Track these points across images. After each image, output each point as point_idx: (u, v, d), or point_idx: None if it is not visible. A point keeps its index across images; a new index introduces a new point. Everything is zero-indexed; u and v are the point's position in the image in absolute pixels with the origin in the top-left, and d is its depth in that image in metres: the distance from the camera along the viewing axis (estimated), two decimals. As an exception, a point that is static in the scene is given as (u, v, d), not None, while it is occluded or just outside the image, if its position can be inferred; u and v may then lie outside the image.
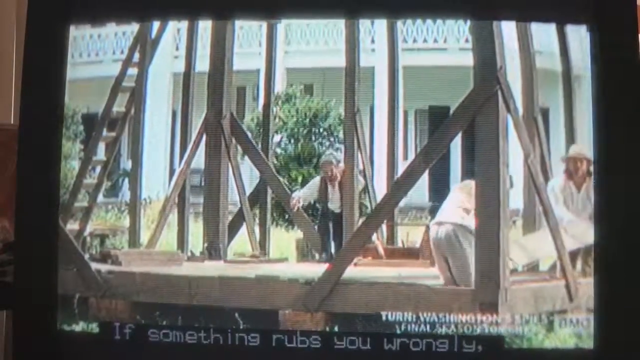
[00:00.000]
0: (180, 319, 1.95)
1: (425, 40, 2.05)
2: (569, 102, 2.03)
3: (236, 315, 1.94)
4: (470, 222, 1.96)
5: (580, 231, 1.95)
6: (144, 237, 2.08)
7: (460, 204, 1.97)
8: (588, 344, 1.88)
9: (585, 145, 1.94)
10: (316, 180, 2.08)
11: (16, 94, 2.12)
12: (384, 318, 1.92)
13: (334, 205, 2.07)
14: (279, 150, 2.11)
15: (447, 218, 1.98)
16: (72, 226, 2.04)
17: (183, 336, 1.94)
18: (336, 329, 1.93)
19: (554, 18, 1.93)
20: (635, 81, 1.89)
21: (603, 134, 1.88)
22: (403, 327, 1.91)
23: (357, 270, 2.00)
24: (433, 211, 2.00)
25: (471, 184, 1.96)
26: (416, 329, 1.90)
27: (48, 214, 1.96)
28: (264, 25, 2.10)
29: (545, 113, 2.02)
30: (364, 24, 2.03)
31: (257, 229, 2.11)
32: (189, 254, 2.09)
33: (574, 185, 1.99)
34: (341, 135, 2.07)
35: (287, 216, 2.10)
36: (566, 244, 1.95)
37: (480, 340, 1.90)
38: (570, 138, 2.01)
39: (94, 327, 1.98)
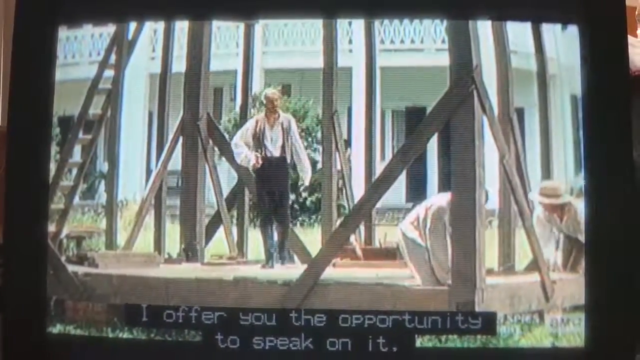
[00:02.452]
0: (159, 320, 1.95)
1: (402, 41, 2.06)
2: (544, 101, 2.04)
3: (214, 316, 1.94)
4: (416, 235, 1.99)
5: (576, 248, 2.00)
6: (121, 239, 2.08)
7: (415, 217, 2.00)
8: (578, 342, 1.89)
9: (554, 183, 1.97)
10: (252, 120, 2.06)
11: (4, 95, 2.12)
12: (362, 318, 1.92)
13: (272, 145, 2.05)
14: (256, 152, 2.12)
15: (402, 227, 2.01)
16: (48, 228, 2.02)
17: (162, 337, 1.95)
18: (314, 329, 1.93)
19: (541, 18, 1.94)
20: (623, 80, 1.90)
21: (591, 132, 1.88)
22: (381, 327, 1.91)
23: (336, 271, 2.00)
24: (409, 212, 2.02)
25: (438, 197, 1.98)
26: (394, 329, 1.90)
27: (37, 216, 1.96)
28: (242, 25, 2.09)
29: (520, 113, 2.03)
30: (341, 24, 2.03)
31: (234, 231, 2.11)
32: (166, 255, 2.09)
33: (557, 216, 2.01)
34: (319, 135, 2.07)
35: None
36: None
37: (457, 339, 1.91)
38: (545, 138, 2.02)
39: (71, 329, 1.98)
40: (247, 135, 2.04)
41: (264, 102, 2.04)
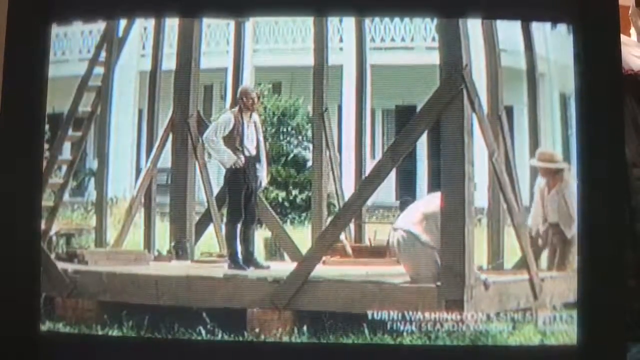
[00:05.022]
0: (147, 319, 1.96)
1: (392, 39, 2.06)
2: (534, 99, 2.05)
3: (204, 314, 1.94)
4: (420, 230, 1.99)
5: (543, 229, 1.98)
6: (111, 236, 2.08)
7: (416, 213, 1.99)
8: (569, 340, 1.89)
9: (550, 150, 1.97)
10: (227, 116, 2.06)
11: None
12: (352, 315, 1.92)
13: (249, 141, 2.05)
14: (246, 150, 2.12)
15: (401, 225, 2.00)
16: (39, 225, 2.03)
17: (152, 334, 1.95)
18: (304, 327, 1.94)
19: (533, 17, 1.94)
20: (617, 79, 1.90)
21: (584, 131, 1.89)
22: (370, 325, 1.92)
23: (326, 268, 2.00)
24: (400, 210, 2.02)
25: (436, 196, 1.98)
26: (383, 327, 1.91)
27: (29, 214, 1.95)
28: (232, 23, 2.09)
29: (509, 111, 2.04)
30: (332, 22, 2.03)
31: (224, 228, 2.10)
32: (156, 253, 2.09)
33: (547, 186, 2.01)
34: (309, 133, 2.08)
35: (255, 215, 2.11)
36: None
37: (446, 337, 1.91)
38: (534, 136, 2.03)
39: (61, 327, 1.98)
40: (225, 131, 2.04)
41: (243, 98, 2.04)
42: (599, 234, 1.88)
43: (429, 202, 1.97)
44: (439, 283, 1.93)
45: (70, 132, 2.08)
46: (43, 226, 2.02)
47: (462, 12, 1.94)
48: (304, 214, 2.06)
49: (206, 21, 2.06)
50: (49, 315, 1.97)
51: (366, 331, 1.92)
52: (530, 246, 1.98)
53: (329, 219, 2.04)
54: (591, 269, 1.87)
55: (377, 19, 2.05)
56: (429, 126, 1.96)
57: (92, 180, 2.10)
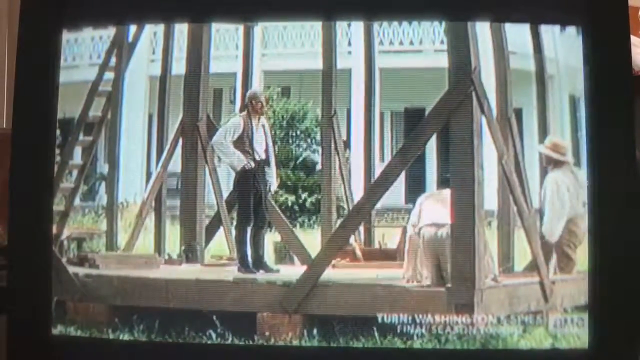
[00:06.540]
0: (158, 323, 1.97)
1: (401, 43, 2.07)
2: (543, 102, 2.05)
3: (214, 318, 1.95)
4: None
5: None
6: (121, 240, 2.09)
7: (446, 206, 1.98)
8: (580, 343, 1.89)
9: (557, 142, 1.97)
10: (236, 120, 2.07)
11: (9, 97, 2.14)
12: (362, 318, 1.92)
13: (258, 145, 2.06)
14: (255, 153, 2.13)
15: (436, 219, 1.98)
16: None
17: (162, 338, 1.96)
18: (314, 330, 1.94)
19: (542, 19, 1.94)
20: (627, 81, 1.90)
21: (594, 133, 1.88)
22: (380, 328, 1.91)
23: (335, 272, 2.01)
24: (410, 213, 2.01)
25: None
26: (393, 330, 1.91)
27: (41, 218, 1.97)
28: (241, 27, 2.11)
29: (518, 113, 2.04)
30: (340, 26, 2.04)
31: (234, 232, 2.11)
32: (166, 257, 2.10)
33: (551, 166, 2.01)
34: (318, 137, 2.08)
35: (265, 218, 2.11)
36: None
37: (457, 340, 1.91)
38: (544, 138, 2.02)
39: (72, 330, 1.99)
40: (234, 135, 2.05)
41: (253, 102, 2.05)
42: (610, 236, 1.87)
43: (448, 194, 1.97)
44: (449, 285, 1.93)
45: (81, 137, 2.10)
46: (54, 230, 2.03)
47: (471, 15, 1.95)
48: (313, 218, 2.07)
49: (215, 26, 2.07)
50: (60, 318, 1.99)
51: (376, 334, 1.92)
52: (541, 248, 1.98)
53: (339, 222, 2.04)
54: (603, 272, 1.87)
55: (385, 23, 2.05)
56: (438, 129, 1.96)
57: (103, 184, 2.12)
